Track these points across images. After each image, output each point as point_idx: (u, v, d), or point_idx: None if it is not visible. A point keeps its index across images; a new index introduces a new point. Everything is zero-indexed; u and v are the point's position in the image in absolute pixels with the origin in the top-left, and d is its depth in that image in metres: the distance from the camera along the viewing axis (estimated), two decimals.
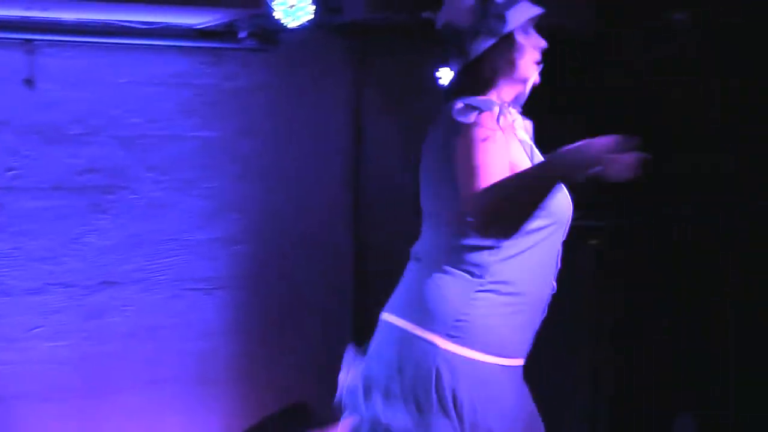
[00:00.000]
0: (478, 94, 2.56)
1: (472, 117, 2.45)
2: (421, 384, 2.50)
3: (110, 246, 4.75)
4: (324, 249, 5.08)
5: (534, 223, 2.47)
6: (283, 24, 4.42)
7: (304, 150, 5.10)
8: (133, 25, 4.64)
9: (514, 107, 2.63)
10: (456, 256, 2.52)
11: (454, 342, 2.50)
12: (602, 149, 2.23)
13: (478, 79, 2.59)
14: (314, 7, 4.40)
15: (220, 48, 4.86)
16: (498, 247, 2.48)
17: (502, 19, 2.52)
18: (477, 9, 2.53)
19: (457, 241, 2.52)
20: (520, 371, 2.66)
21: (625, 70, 4.83)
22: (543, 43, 2.61)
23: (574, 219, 2.65)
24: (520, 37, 2.57)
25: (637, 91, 4.75)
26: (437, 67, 4.77)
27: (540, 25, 2.65)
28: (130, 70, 4.77)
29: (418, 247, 2.68)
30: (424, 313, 2.53)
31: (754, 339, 4.56)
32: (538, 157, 2.59)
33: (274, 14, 4.39)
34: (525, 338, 2.62)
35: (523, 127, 2.61)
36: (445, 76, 4.76)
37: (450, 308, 2.50)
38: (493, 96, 2.58)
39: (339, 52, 5.07)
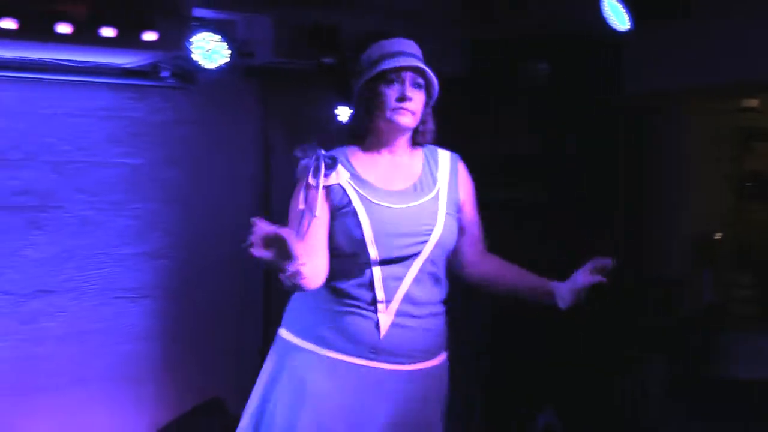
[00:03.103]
0: (361, 139, 2.78)
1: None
2: None
3: (45, 258, 4.79)
4: (237, 265, 5.14)
5: None
6: (201, 65, 4.60)
7: (220, 177, 5.24)
8: (66, 63, 4.69)
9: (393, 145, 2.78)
10: None
11: None
12: None
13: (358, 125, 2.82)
14: (230, 51, 4.59)
15: (144, 85, 4.96)
16: None
17: (363, 71, 2.76)
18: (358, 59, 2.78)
19: None
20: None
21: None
22: (403, 93, 2.71)
23: None
24: (381, 87, 2.74)
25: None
26: (335, 105, 5.03)
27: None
28: (63, 103, 4.86)
29: None
30: None
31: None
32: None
33: (192, 56, 4.56)
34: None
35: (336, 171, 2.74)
36: (343, 113, 5.07)
37: None
38: (369, 139, 2.77)
39: (250, 91, 5.23)
